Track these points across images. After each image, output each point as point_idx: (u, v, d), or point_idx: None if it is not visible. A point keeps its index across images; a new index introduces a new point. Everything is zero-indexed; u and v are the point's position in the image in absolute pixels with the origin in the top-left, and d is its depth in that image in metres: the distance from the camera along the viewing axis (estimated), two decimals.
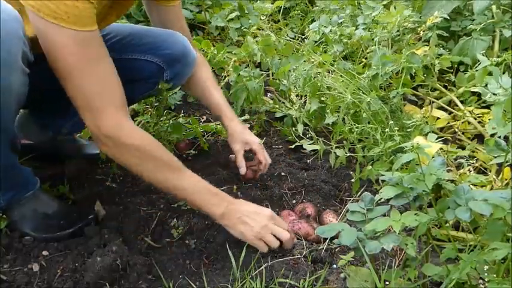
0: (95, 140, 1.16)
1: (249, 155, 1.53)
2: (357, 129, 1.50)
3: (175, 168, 1.19)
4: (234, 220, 1.19)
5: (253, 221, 1.19)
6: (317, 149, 1.65)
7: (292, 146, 1.76)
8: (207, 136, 1.84)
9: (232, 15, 2.42)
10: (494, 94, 1.11)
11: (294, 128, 1.80)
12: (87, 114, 1.12)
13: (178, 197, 1.28)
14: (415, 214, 0.94)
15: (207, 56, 1.88)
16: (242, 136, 1.48)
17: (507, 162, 1.07)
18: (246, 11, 2.46)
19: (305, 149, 1.72)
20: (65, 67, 1.07)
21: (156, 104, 1.83)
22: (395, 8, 1.79)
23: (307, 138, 1.77)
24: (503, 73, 1.20)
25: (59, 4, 1.00)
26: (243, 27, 2.39)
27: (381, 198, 1.01)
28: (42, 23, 1.02)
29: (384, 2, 2.42)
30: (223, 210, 1.19)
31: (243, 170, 1.45)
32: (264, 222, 1.19)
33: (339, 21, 2.39)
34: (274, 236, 1.20)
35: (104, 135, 1.12)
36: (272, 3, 2.87)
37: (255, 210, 1.22)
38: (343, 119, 1.62)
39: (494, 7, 1.98)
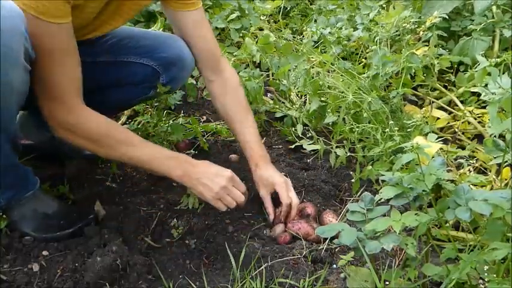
0: (50, 126, 1.20)
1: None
2: (357, 129, 1.50)
3: (130, 143, 1.22)
4: (193, 181, 1.23)
5: (212, 183, 1.22)
6: (317, 149, 1.65)
7: (292, 146, 1.75)
8: (207, 136, 1.84)
9: (233, 16, 2.41)
10: (493, 94, 1.11)
11: (293, 128, 1.80)
12: (44, 101, 1.16)
13: (139, 167, 1.34)
14: (415, 214, 0.94)
15: None
16: (266, 179, 1.39)
17: (505, 162, 1.07)
18: (246, 12, 2.46)
19: (305, 149, 1.72)
20: (37, 54, 1.09)
21: (156, 104, 1.84)
22: (394, 8, 1.78)
23: (307, 138, 1.77)
24: (503, 73, 1.20)
25: None
26: (243, 28, 2.39)
27: (381, 199, 1.01)
28: (23, 11, 1.02)
29: (382, 2, 2.42)
30: (182, 172, 1.23)
31: (271, 217, 1.37)
32: (222, 184, 1.23)
33: (337, 23, 2.39)
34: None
35: (58, 120, 1.18)
36: (273, 2, 2.87)
37: (216, 171, 1.25)
38: (344, 118, 1.62)
39: (494, 7, 1.98)
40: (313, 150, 1.70)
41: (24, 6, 1.02)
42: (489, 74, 1.21)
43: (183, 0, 1.36)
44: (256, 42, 2.00)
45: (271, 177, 1.39)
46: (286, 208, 1.36)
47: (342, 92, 1.61)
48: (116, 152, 1.22)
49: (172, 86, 1.50)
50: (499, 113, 1.08)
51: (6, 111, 1.05)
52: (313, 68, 1.87)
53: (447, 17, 1.95)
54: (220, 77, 1.48)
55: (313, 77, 1.76)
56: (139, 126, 1.72)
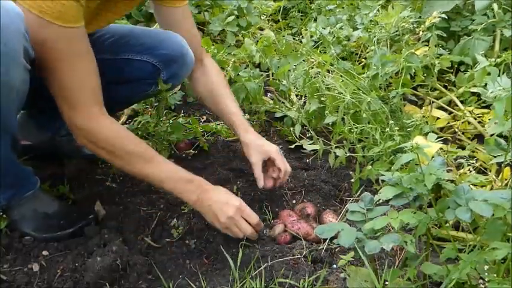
0: (72, 132, 1.21)
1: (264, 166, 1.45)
2: (356, 129, 1.50)
3: (148, 159, 1.22)
4: (206, 208, 1.23)
5: (221, 212, 1.22)
6: (317, 149, 1.65)
7: (292, 146, 1.75)
8: (207, 136, 1.84)
9: (230, 19, 2.40)
10: (494, 93, 1.11)
11: (293, 128, 1.80)
12: (64, 107, 1.16)
13: (155, 185, 1.32)
14: (413, 212, 0.94)
15: None
16: (259, 147, 1.41)
17: (506, 161, 1.07)
18: (245, 12, 2.46)
19: (305, 149, 1.72)
20: (48, 60, 1.09)
21: (156, 104, 1.83)
22: (392, 8, 1.78)
23: (307, 138, 1.77)
24: (503, 73, 1.20)
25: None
26: (242, 29, 2.38)
27: (380, 199, 1.01)
28: (29, 15, 1.02)
29: (381, 2, 2.41)
30: (196, 198, 1.23)
31: (260, 183, 1.39)
32: (229, 214, 1.22)
33: (337, 23, 2.39)
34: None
35: (77, 127, 1.17)
36: (274, 1, 2.87)
37: (226, 200, 1.24)
38: (343, 119, 1.62)
39: (496, 6, 1.98)
40: (313, 150, 1.70)
41: (39, 12, 1.02)
42: (489, 74, 1.21)
43: None
44: (257, 43, 1.99)
45: (265, 145, 1.42)
46: (284, 174, 1.40)
47: (341, 93, 1.61)
48: (132, 166, 1.21)
49: (172, 82, 1.52)
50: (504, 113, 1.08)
51: (6, 110, 1.05)
52: (312, 68, 1.87)
53: (447, 17, 1.94)
54: (202, 65, 1.57)
55: (312, 78, 1.76)
56: (139, 126, 1.72)
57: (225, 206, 1.22)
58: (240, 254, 1.21)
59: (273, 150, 1.41)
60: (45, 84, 1.14)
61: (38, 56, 1.09)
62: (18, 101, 1.08)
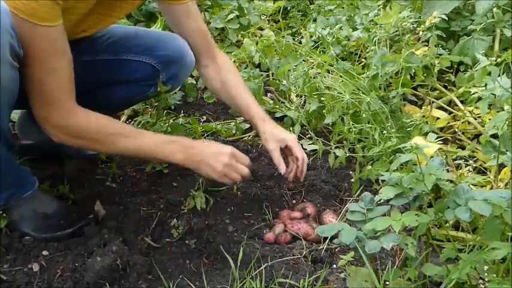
0: (47, 132, 1.19)
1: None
2: (355, 129, 1.50)
3: (127, 134, 1.23)
4: (197, 163, 1.25)
5: (216, 162, 1.24)
6: (317, 149, 1.65)
7: None
8: (207, 136, 1.84)
9: (231, 16, 2.41)
10: (493, 94, 1.11)
11: (293, 128, 1.80)
12: (40, 107, 1.15)
13: (142, 157, 1.34)
14: (415, 214, 0.94)
15: None
16: (276, 135, 1.42)
17: (508, 161, 1.07)
18: (246, 11, 2.46)
19: (305, 149, 1.72)
20: (26, 56, 1.07)
21: (156, 104, 1.84)
22: (390, 8, 1.78)
23: (307, 138, 1.77)
24: (503, 73, 1.20)
25: None
26: (242, 28, 2.38)
27: (380, 199, 1.01)
28: (10, 12, 1.01)
29: (381, 2, 2.41)
30: (184, 155, 1.24)
31: (282, 168, 1.39)
32: (225, 161, 1.25)
33: (336, 23, 2.39)
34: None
35: (55, 125, 1.17)
36: (273, 3, 2.87)
37: (217, 150, 1.27)
38: (343, 119, 1.62)
39: (494, 7, 1.98)
40: (313, 151, 1.70)
41: (13, 8, 1.01)
42: (489, 73, 1.21)
43: None
44: (257, 43, 1.99)
45: (281, 132, 1.43)
46: (302, 162, 1.40)
47: (340, 93, 1.61)
48: (117, 146, 1.22)
49: (172, 83, 1.51)
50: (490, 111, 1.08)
51: None
52: (312, 68, 1.87)
53: (447, 17, 1.94)
54: (215, 62, 1.52)
55: (311, 78, 1.76)
56: (139, 126, 1.72)
57: (219, 155, 1.25)
58: (240, 254, 1.21)
59: (290, 138, 1.42)
60: (24, 81, 1.12)
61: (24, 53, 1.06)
62: (7, 99, 1.06)
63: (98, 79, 1.41)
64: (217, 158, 1.24)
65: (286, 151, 1.43)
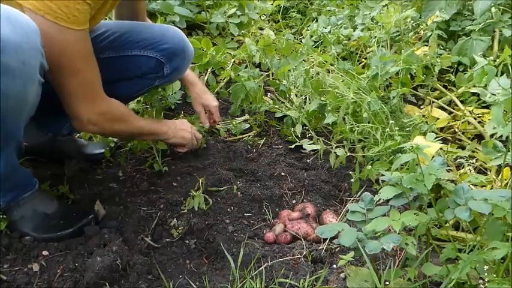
0: (83, 125, 1.28)
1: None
2: (357, 129, 1.50)
3: (134, 114, 1.43)
4: (176, 132, 1.54)
5: (187, 127, 1.58)
6: (317, 149, 1.65)
7: (292, 146, 1.76)
8: (207, 136, 1.84)
9: (232, 11, 2.41)
10: (493, 94, 1.11)
11: (293, 129, 1.80)
12: (82, 104, 1.23)
13: (145, 133, 1.47)
14: (415, 214, 0.94)
15: (206, 56, 1.88)
16: (202, 100, 1.70)
17: (506, 163, 1.07)
18: (247, 10, 2.45)
19: (305, 149, 1.72)
20: (70, 63, 1.13)
21: (156, 104, 1.84)
22: (387, 8, 1.78)
23: (307, 138, 1.77)
24: (502, 74, 1.20)
25: (60, 5, 1.05)
26: (243, 24, 2.38)
27: (380, 199, 1.01)
28: (43, 22, 1.03)
29: (383, 3, 2.42)
30: (169, 129, 1.51)
31: (207, 125, 1.72)
32: (189, 127, 1.59)
33: (337, 23, 2.39)
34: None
35: (91, 118, 1.26)
36: (272, 3, 2.87)
37: (181, 121, 1.61)
38: (343, 118, 1.62)
39: (493, 8, 1.99)
40: (313, 150, 1.70)
41: (55, 19, 1.05)
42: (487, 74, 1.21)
43: None
44: (257, 43, 1.99)
45: (208, 99, 1.71)
46: (215, 110, 1.72)
47: (342, 92, 1.61)
48: (135, 123, 1.40)
49: (174, 76, 1.56)
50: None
51: (19, 122, 1.07)
52: (312, 68, 1.87)
53: (447, 18, 1.95)
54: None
55: (312, 77, 1.76)
56: None
57: (184, 124, 1.59)
58: (240, 254, 1.21)
59: (211, 105, 1.71)
60: (56, 87, 1.18)
61: (57, 63, 1.11)
62: (30, 113, 1.10)
63: (103, 76, 1.42)
64: (185, 126, 1.58)
65: (208, 113, 1.73)
